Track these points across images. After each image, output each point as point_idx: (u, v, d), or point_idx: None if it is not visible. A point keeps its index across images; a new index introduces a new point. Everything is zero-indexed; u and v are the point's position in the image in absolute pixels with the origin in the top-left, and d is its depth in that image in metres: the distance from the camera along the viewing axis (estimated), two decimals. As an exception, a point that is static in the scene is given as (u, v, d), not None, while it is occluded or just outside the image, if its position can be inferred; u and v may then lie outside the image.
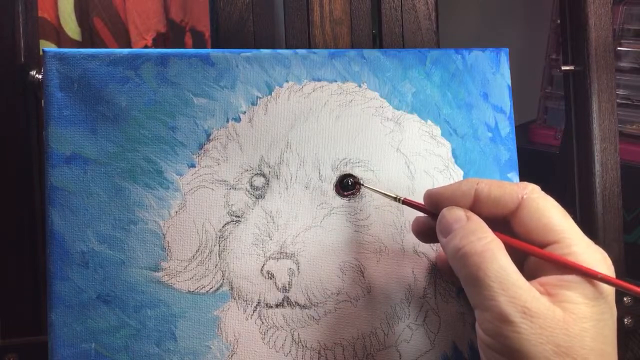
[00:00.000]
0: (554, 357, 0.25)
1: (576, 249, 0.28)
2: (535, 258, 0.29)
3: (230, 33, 0.42)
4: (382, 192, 0.34)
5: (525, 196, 0.30)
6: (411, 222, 0.35)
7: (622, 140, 0.51)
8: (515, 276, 0.27)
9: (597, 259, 0.28)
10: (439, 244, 0.36)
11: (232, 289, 0.34)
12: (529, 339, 0.25)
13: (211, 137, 0.34)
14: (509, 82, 0.39)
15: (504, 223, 0.30)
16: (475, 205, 0.30)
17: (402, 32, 0.45)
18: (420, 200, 0.33)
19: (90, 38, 0.94)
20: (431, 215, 0.33)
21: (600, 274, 0.27)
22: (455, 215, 0.30)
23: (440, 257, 0.36)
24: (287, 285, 0.34)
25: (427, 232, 0.33)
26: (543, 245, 0.29)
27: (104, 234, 0.33)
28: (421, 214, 0.34)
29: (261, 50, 0.35)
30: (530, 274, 0.28)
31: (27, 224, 0.42)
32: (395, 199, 0.34)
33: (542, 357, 0.25)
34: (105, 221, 0.33)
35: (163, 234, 0.33)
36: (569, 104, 0.51)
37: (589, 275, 0.27)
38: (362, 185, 0.35)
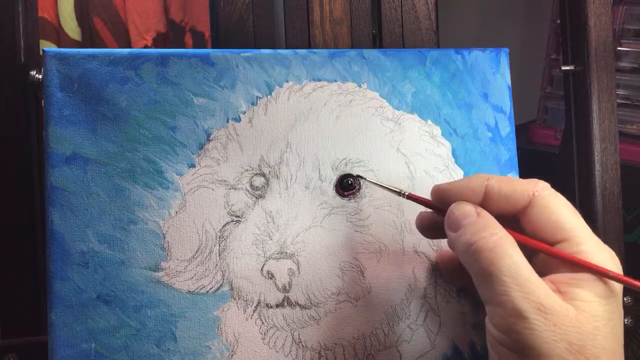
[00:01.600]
0: (566, 354, 0.25)
1: (585, 248, 0.28)
2: (544, 256, 0.29)
3: (230, 33, 0.42)
4: (386, 186, 0.34)
5: (536, 193, 0.29)
6: (412, 221, 0.35)
7: (622, 140, 0.51)
8: (528, 272, 0.27)
9: (606, 258, 0.28)
10: (439, 242, 0.36)
11: (232, 289, 0.34)
12: (542, 335, 0.25)
13: (211, 137, 0.34)
14: (509, 82, 0.39)
15: (512, 220, 0.30)
16: (485, 202, 0.30)
17: (402, 32, 0.45)
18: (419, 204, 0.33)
19: (90, 38, 0.94)
20: (437, 211, 0.32)
21: (613, 272, 0.27)
22: (465, 210, 0.29)
23: (441, 256, 0.35)
24: (287, 285, 0.34)
25: (431, 227, 0.33)
26: (552, 243, 0.29)
27: (104, 234, 0.33)
28: (425, 209, 0.33)
29: (261, 50, 0.35)
30: (538, 272, 0.28)
31: (27, 224, 0.42)
32: (400, 193, 0.33)
33: (555, 354, 0.25)
34: (105, 221, 0.33)
35: (163, 234, 0.33)
36: (569, 104, 0.51)
37: (602, 274, 0.27)
38: (365, 179, 0.35)
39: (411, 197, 0.33)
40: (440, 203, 0.32)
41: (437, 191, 0.32)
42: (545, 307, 0.26)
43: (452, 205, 0.30)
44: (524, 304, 0.26)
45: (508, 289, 0.26)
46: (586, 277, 0.27)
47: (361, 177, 0.35)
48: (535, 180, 0.30)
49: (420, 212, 0.34)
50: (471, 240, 0.28)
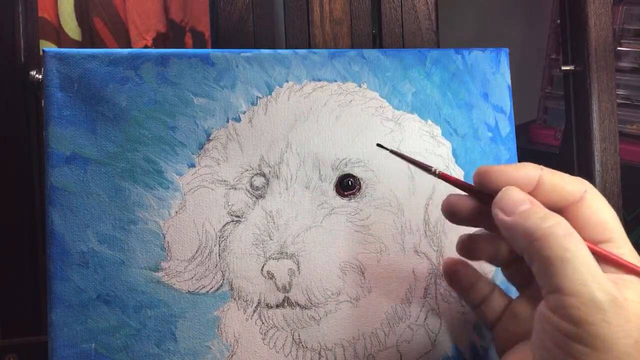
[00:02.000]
0: (634, 351, 0.24)
1: (624, 251, 0.28)
2: None
3: (230, 33, 0.42)
4: (415, 160, 0.32)
5: (588, 191, 0.28)
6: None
7: (622, 140, 0.51)
8: (597, 265, 0.26)
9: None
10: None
11: (232, 289, 0.34)
12: (615, 329, 0.24)
13: (211, 137, 0.34)
14: (509, 82, 0.39)
15: None
16: (534, 192, 0.29)
17: (402, 32, 0.45)
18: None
19: (90, 38, 0.94)
20: (473, 193, 0.30)
21: None
22: (521, 197, 0.28)
23: (447, 264, 0.34)
24: (287, 285, 0.34)
25: (463, 212, 0.31)
26: (594, 243, 0.28)
27: (104, 234, 0.33)
28: (456, 192, 0.31)
29: (261, 50, 0.35)
30: None
31: (27, 224, 0.42)
32: (430, 171, 0.31)
33: (622, 350, 0.24)
34: (105, 221, 0.33)
35: (163, 234, 0.33)
36: (569, 104, 0.51)
37: None
38: (386, 148, 0.33)
39: (444, 177, 0.31)
40: (482, 186, 0.30)
41: (484, 172, 0.29)
42: (618, 301, 0.25)
43: (506, 188, 0.28)
44: (602, 295, 0.25)
45: (585, 278, 0.25)
46: (633, 279, 0.27)
47: (382, 146, 0.34)
48: (581, 178, 0.29)
49: (450, 195, 0.31)
50: (540, 225, 0.26)
